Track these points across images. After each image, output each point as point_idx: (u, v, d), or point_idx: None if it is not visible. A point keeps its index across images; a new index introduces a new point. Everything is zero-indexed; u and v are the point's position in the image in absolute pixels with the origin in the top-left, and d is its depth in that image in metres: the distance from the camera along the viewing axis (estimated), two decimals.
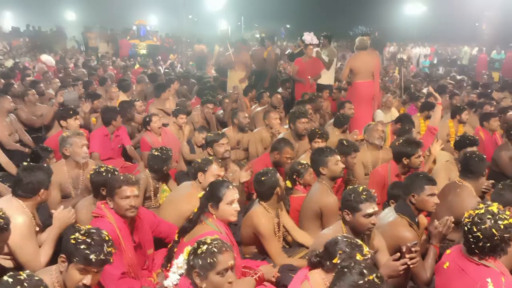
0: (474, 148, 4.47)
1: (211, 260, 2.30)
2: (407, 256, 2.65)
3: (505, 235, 2.51)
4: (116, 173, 3.49)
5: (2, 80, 8.61)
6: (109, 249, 2.29)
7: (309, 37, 8.56)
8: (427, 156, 5.17)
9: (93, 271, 2.28)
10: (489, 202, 2.74)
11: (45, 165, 3.48)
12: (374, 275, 2.01)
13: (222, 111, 7.31)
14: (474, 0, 21.13)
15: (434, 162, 5.22)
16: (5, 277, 1.95)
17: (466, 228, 2.57)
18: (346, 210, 2.94)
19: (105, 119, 5.60)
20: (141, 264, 3.22)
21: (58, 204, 3.87)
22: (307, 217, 3.88)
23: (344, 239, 2.40)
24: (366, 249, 2.39)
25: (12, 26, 21.49)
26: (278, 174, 3.66)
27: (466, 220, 2.60)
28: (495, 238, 2.49)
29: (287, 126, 5.89)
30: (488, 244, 2.51)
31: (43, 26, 20.95)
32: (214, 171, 3.86)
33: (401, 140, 4.43)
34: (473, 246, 2.55)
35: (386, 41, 20.46)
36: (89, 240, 2.25)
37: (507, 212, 2.62)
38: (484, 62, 16.33)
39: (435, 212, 3.41)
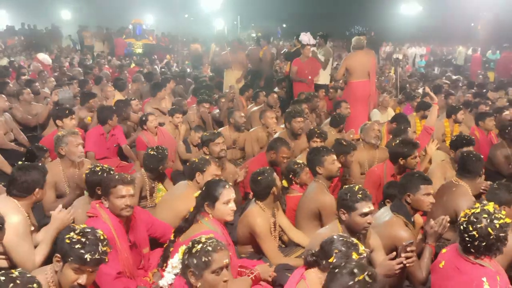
0: (471, 148, 4.48)
1: (206, 259, 2.30)
2: (403, 255, 2.66)
3: (501, 235, 2.52)
4: (111, 172, 3.47)
5: None
6: (104, 249, 2.28)
7: (306, 38, 8.57)
8: (423, 155, 5.18)
9: (88, 270, 2.27)
10: (485, 202, 2.75)
11: (40, 164, 3.47)
12: (365, 273, 2.00)
13: (218, 111, 7.30)
14: (469, 1, 21.20)
15: (430, 161, 5.24)
16: None
17: (462, 227, 2.58)
18: (342, 209, 2.94)
19: (101, 118, 5.57)
20: (136, 264, 3.21)
21: (53, 203, 3.87)
22: (303, 216, 3.88)
23: (340, 238, 2.40)
24: (362, 248, 2.39)
25: (7, 25, 21.33)
26: (274, 174, 3.66)
27: (462, 219, 2.61)
28: (491, 237, 2.50)
29: (283, 126, 5.90)
30: (484, 243, 2.52)
31: (39, 25, 20.84)
32: (213, 171, 3.86)
33: (397, 141, 4.44)
34: (468, 245, 2.56)
35: (382, 41, 20.50)
36: (84, 240, 2.24)
37: (503, 212, 2.63)
38: (478, 62, 16.38)
39: (431, 212, 3.43)
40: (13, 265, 2.93)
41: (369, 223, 2.91)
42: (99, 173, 3.47)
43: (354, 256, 2.31)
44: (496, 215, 2.55)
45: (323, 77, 8.87)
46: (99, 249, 2.25)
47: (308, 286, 2.40)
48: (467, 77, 13.07)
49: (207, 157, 4.17)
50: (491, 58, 16.22)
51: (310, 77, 8.37)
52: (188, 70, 13.74)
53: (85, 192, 3.78)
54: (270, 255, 3.44)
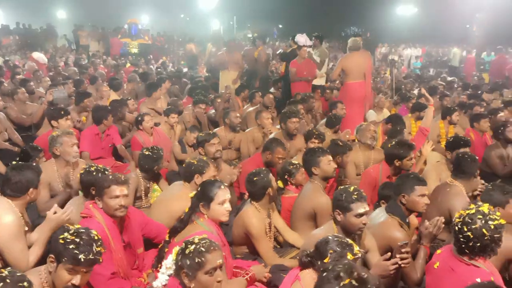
0: (467, 149, 4.50)
1: (199, 260, 2.30)
2: (398, 256, 2.66)
3: (495, 235, 2.53)
4: (106, 172, 3.46)
5: None
6: (98, 249, 2.27)
7: (302, 39, 8.58)
8: (418, 156, 5.19)
9: (82, 271, 2.26)
10: (479, 203, 2.76)
11: (34, 164, 3.45)
12: (352, 277, 1.92)
13: (213, 111, 7.30)
14: (465, 2, 21.30)
15: (425, 162, 5.25)
16: None
17: (456, 228, 2.59)
18: (337, 210, 2.94)
19: (96, 118, 5.55)
20: (131, 264, 3.20)
21: (47, 203, 3.85)
22: (298, 217, 3.88)
23: (335, 239, 2.40)
24: (356, 248, 2.40)
25: (2, 24, 21.20)
26: (270, 175, 3.66)
27: (457, 220, 2.62)
28: (485, 238, 2.51)
29: (279, 126, 5.90)
30: (478, 244, 2.53)
31: (34, 24, 20.75)
32: (211, 173, 3.86)
33: (393, 142, 4.44)
34: (463, 246, 2.57)
35: (378, 42, 20.55)
36: (78, 240, 2.23)
37: (497, 213, 2.64)
38: (472, 63, 16.48)
39: (426, 213, 3.44)
40: (6, 266, 2.91)
41: (364, 224, 2.92)
42: (94, 173, 3.45)
43: (349, 256, 2.32)
44: (491, 216, 2.56)
45: (319, 78, 8.88)
46: (93, 250, 2.24)
47: (302, 287, 2.40)
48: (462, 78, 13.12)
49: (204, 158, 4.15)
50: (486, 60, 16.31)
51: (310, 78, 8.40)
52: (185, 70, 13.72)
53: (80, 192, 3.77)
54: (265, 256, 3.44)
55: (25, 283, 1.96)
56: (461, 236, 2.56)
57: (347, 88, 7.46)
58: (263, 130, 5.87)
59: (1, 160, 4.92)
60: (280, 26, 31.60)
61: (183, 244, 2.39)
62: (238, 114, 6.11)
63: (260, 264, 3.26)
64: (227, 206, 3.06)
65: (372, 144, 5.24)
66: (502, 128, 5.49)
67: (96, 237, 2.30)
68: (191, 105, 7.18)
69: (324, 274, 2.00)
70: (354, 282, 1.91)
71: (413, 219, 3.51)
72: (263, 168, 3.82)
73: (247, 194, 3.80)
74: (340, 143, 4.64)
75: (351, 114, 7.04)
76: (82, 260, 2.21)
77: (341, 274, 1.94)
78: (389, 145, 4.46)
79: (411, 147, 4.37)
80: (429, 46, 23.25)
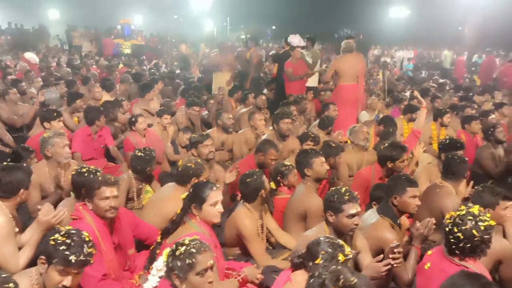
0: (461, 152, 4.54)
1: (190, 261, 2.29)
2: (390, 256, 2.68)
3: (485, 237, 2.56)
4: (98, 173, 3.44)
5: None
6: (89, 250, 2.27)
7: (296, 40, 8.58)
8: (410, 158, 5.22)
9: (73, 272, 2.26)
10: (470, 204, 2.78)
11: (25, 165, 3.43)
12: (338, 286, 1.90)
13: (207, 112, 7.29)
14: (457, 5, 21.47)
15: (417, 164, 5.28)
16: None
17: (447, 229, 2.62)
18: (330, 211, 2.95)
19: (88, 119, 5.53)
20: (122, 265, 3.18)
21: (37, 204, 3.83)
22: (291, 218, 3.89)
23: (326, 240, 2.41)
24: (348, 249, 2.40)
25: None
26: (263, 176, 3.66)
27: (448, 221, 2.64)
28: (475, 239, 2.54)
29: (272, 128, 5.91)
30: (469, 245, 2.55)
31: (26, 24, 20.63)
32: (206, 175, 3.87)
33: (386, 144, 4.47)
34: (453, 246, 2.59)
35: (371, 44, 20.63)
36: (68, 241, 2.23)
37: (488, 214, 2.67)
38: (462, 65, 16.60)
39: (417, 214, 3.46)
40: None
41: (356, 225, 2.93)
42: (86, 174, 3.43)
43: (340, 257, 2.32)
44: (481, 218, 2.59)
45: (311, 80, 8.90)
46: (84, 251, 2.24)
47: (294, 287, 2.41)
48: (454, 80, 13.20)
49: (199, 160, 4.14)
50: (478, 62, 16.43)
51: (308, 73, 8.42)
52: (178, 71, 13.70)
53: (72, 193, 3.75)
54: (257, 257, 3.44)
55: (11, 284, 1.95)
56: (451, 237, 2.59)
57: (340, 90, 7.49)
58: (256, 132, 5.87)
59: None
60: (274, 27, 31.68)
61: (174, 245, 2.39)
62: (230, 115, 6.11)
63: (252, 265, 3.26)
64: (219, 207, 3.06)
65: (365, 146, 5.26)
66: (492, 129, 5.55)
67: (87, 238, 2.29)
68: (184, 106, 7.17)
69: (311, 280, 2.00)
70: None
71: (405, 220, 3.53)
72: (257, 170, 3.83)
73: (239, 195, 3.80)
74: (333, 145, 4.67)
75: (344, 115, 7.06)
76: (73, 261, 2.20)
77: (326, 282, 1.93)
78: (382, 147, 4.48)
79: (404, 149, 4.40)
80: (421, 48, 23.37)
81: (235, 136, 6.06)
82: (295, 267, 2.51)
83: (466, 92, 10.07)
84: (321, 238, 2.44)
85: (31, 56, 12.51)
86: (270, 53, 12.54)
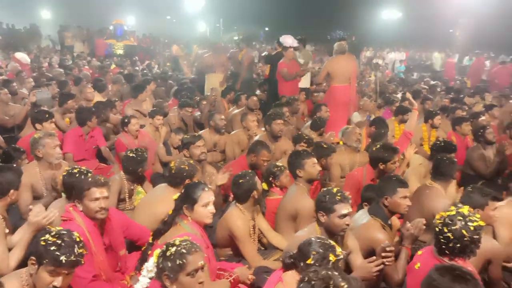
0: (453, 155, 4.59)
1: (180, 262, 2.29)
2: (383, 254, 2.70)
3: (475, 237, 2.58)
4: (89, 174, 3.43)
5: None
6: (80, 250, 2.26)
7: (289, 40, 8.59)
8: (401, 159, 5.26)
9: (64, 273, 2.24)
10: (460, 205, 2.81)
11: (15, 165, 3.41)
12: None
13: (199, 113, 7.29)
14: (448, 7, 21.62)
15: (408, 165, 5.32)
16: None
17: (437, 229, 2.64)
18: (321, 212, 2.97)
19: (80, 120, 5.50)
20: (113, 266, 3.17)
21: (29, 205, 3.80)
22: (283, 219, 3.90)
23: (318, 240, 2.43)
24: (339, 250, 2.42)
25: None
26: (256, 177, 3.67)
27: (438, 221, 2.67)
28: (465, 239, 2.56)
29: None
30: (458, 245, 2.57)
31: (17, 24, 20.48)
32: (198, 176, 3.86)
33: (378, 146, 4.50)
34: (443, 246, 2.61)
35: (363, 46, 20.73)
36: (59, 242, 2.22)
37: (477, 215, 2.69)
38: (452, 67, 16.75)
39: (407, 214, 3.48)
40: None
41: (348, 225, 2.95)
42: (77, 175, 3.42)
43: (331, 258, 2.34)
44: (471, 218, 2.62)
45: (304, 81, 8.92)
46: (75, 251, 2.23)
47: None
48: (445, 82, 13.31)
49: (191, 161, 4.14)
50: (469, 64, 16.58)
51: (298, 78, 8.44)
52: (170, 72, 13.68)
53: (63, 194, 3.73)
54: (249, 258, 3.45)
55: None
56: (441, 237, 2.61)
57: (333, 91, 7.52)
58: (248, 133, 5.88)
59: None
60: (267, 29, 31.69)
61: (164, 246, 2.38)
62: (222, 116, 6.11)
63: (244, 266, 3.26)
64: (211, 208, 3.06)
65: (357, 147, 5.29)
66: (482, 130, 5.60)
67: (77, 239, 2.28)
68: (177, 107, 7.17)
69: (301, 285, 2.00)
70: None
71: (395, 221, 3.56)
72: (249, 171, 3.83)
73: (231, 196, 3.81)
74: (324, 146, 4.68)
75: (336, 117, 7.09)
76: (64, 261, 2.19)
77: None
78: (374, 149, 4.51)
79: (395, 151, 4.43)
80: (412, 50, 23.52)
81: (227, 137, 6.06)
82: (286, 267, 2.52)
83: (457, 94, 10.15)
84: (313, 239, 2.45)
85: (22, 56, 12.43)
86: (263, 54, 12.55)
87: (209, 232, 3.54)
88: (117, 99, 7.69)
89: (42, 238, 2.23)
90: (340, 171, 5.20)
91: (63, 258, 2.19)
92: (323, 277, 1.96)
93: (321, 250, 2.38)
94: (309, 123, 6.54)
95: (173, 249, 2.32)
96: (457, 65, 17.58)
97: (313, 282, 1.95)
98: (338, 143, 5.75)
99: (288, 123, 6.55)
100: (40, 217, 2.91)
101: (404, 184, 3.36)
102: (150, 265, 2.53)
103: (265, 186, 4.23)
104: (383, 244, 2.78)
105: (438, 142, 4.89)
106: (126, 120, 5.65)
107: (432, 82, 11.98)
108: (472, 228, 2.58)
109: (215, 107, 7.60)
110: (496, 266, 3.12)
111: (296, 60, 8.53)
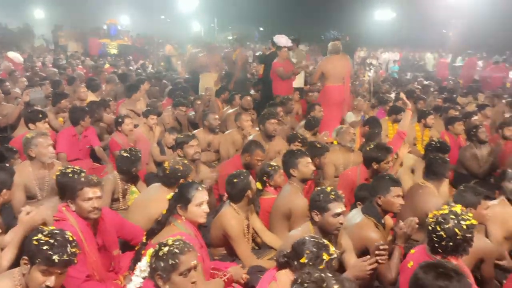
0: (446, 155, 4.62)
1: (173, 262, 2.28)
2: (377, 252, 2.71)
3: (467, 235, 2.59)
4: (82, 174, 3.41)
5: None
6: (73, 250, 2.25)
7: (283, 40, 8.59)
8: (395, 159, 5.28)
9: (57, 272, 2.23)
10: (452, 203, 2.83)
11: (7, 165, 3.39)
12: None
13: (193, 113, 7.29)
14: (442, 8, 21.73)
15: (401, 164, 5.34)
16: None
17: (430, 227, 2.65)
18: (315, 210, 2.98)
19: (73, 119, 5.48)
20: (106, 266, 3.16)
21: (24, 206, 3.79)
22: (277, 218, 3.90)
23: (311, 239, 2.43)
24: (332, 249, 2.43)
25: None
26: (250, 177, 3.67)
27: (431, 220, 2.68)
28: (458, 237, 2.58)
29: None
30: (451, 243, 2.59)
31: (10, 24, 20.35)
32: (193, 175, 3.85)
33: (372, 145, 4.51)
34: (436, 245, 2.63)
35: (357, 46, 20.75)
36: (52, 241, 2.20)
37: (469, 214, 2.71)
38: (444, 67, 16.83)
39: (400, 213, 3.50)
40: None
41: (341, 224, 2.97)
42: (70, 175, 3.41)
43: (325, 257, 2.35)
44: (463, 216, 2.63)
45: (297, 81, 8.93)
46: (68, 250, 2.22)
47: (279, 287, 2.42)
48: (438, 82, 13.38)
49: (185, 161, 4.13)
50: (462, 65, 16.67)
51: (292, 77, 8.45)
52: (164, 72, 13.66)
53: None
54: (243, 257, 3.45)
55: None
56: (434, 235, 2.62)
57: (327, 91, 7.54)
58: (242, 132, 5.88)
59: None
60: (261, 29, 31.70)
61: (157, 246, 2.37)
62: (216, 116, 6.11)
63: (238, 266, 3.26)
64: (205, 207, 3.05)
65: (351, 147, 5.30)
66: (475, 130, 5.64)
67: (70, 238, 2.27)
68: (171, 107, 7.15)
69: (293, 287, 2.00)
70: None
71: (389, 220, 3.57)
72: (243, 170, 3.83)
73: (226, 195, 3.80)
74: (318, 145, 4.70)
75: (330, 116, 7.10)
76: (56, 260, 2.18)
77: None
78: (368, 148, 4.52)
79: (389, 151, 4.45)
80: (406, 51, 23.63)
81: (221, 136, 6.06)
82: (280, 266, 2.52)
83: (450, 94, 10.20)
84: (306, 238, 2.46)
85: (14, 55, 12.37)
86: (256, 54, 12.55)
87: (203, 231, 3.54)
88: (111, 99, 7.66)
89: (35, 238, 2.22)
90: (334, 170, 5.22)
91: (55, 257, 2.18)
92: (316, 280, 1.96)
93: (314, 249, 2.38)
94: (303, 122, 6.55)
95: (165, 249, 2.32)
96: (450, 65, 17.67)
97: (305, 285, 1.96)
98: (332, 142, 5.76)
99: (282, 123, 6.56)
100: (31, 215, 2.90)
101: (397, 183, 3.37)
102: (143, 265, 2.53)
103: (259, 185, 4.23)
104: (377, 243, 2.79)
105: (434, 143, 4.92)
106: (120, 120, 5.63)
107: (426, 82, 12.04)
108: (464, 226, 2.59)
109: (209, 106, 7.60)
110: (488, 264, 3.14)
111: (290, 60, 8.54)
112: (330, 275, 2.00)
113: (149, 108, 6.72)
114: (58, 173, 3.51)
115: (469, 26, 20.02)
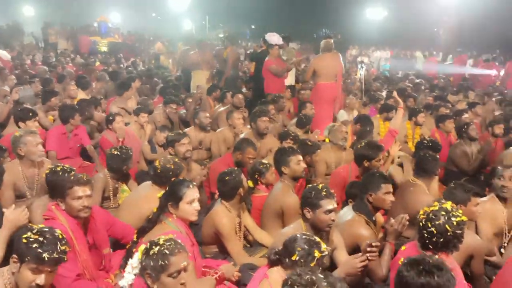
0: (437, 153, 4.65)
1: (163, 263, 2.25)
2: (368, 249, 2.72)
3: (457, 231, 2.62)
4: (72, 173, 3.39)
5: None
6: (63, 248, 2.23)
7: (275, 38, 8.59)
8: (386, 157, 5.30)
9: (47, 270, 2.21)
10: (443, 200, 2.85)
11: None
12: None
13: (185, 111, 7.26)
14: (432, 7, 21.84)
15: (393, 162, 5.36)
16: None
17: (421, 224, 2.67)
18: (307, 208, 2.99)
19: (62, 117, 5.43)
20: (97, 265, 3.14)
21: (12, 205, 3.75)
22: (268, 216, 3.91)
23: (303, 237, 2.44)
24: (324, 246, 2.43)
25: None
26: (242, 175, 3.67)
27: (421, 216, 2.70)
28: (448, 234, 2.60)
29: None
30: (442, 240, 2.61)
31: None
32: (184, 174, 3.84)
33: (363, 143, 4.53)
34: (427, 241, 2.65)
35: (349, 44, 20.83)
36: (41, 239, 2.19)
37: (460, 210, 2.73)
38: (434, 65, 16.95)
39: (391, 211, 3.52)
40: None
41: (333, 220, 2.99)
42: (60, 173, 3.38)
43: (316, 254, 2.35)
44: (454, 213, 2.65)
45: (289, 78, 8.94)
46: (58, 248, 2.20)
47: (270, 284, 2.42)
48: (429, 80, 13.45)
49: (177, 159, 4.11)
50: (452, 63, 16.78)
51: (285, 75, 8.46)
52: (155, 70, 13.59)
53: None
54: (235, 255, 3.45)
55: None
56: (425, 232, 2.64)
57: (319, 89, 7.56)
58: (234, 130, 5.87)
59: None
60: (253, 26, 31.68)
61: (148, 244, 2.35)
62: (207, 114, 6.09)
63: (230, 263, 3.26)
64: (196, 205, 3.04)
65: (343, 145, 5.31)
66: (465, 127, 5.68)
67: (60, 236, 2.26)
68: (162, 105, 7.12)
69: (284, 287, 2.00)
70: None
71: (379, 217, 3.59)
72: (235, 168, 3.83)
73: (217, 193, 3.80)
74: (309, 143, 4.71)
75: (321, 114, 7.12)
76: (46, 259, 2.17)
77: None
78: (359, 146, 4.54)
79: (380, 149, 4.47)
80: (397, 49, 23.73)
81: (213, 134, 6.05)
82: (271, 263, 2.52)
83: (441, 92, 10.26)
84: (298, 235, 2.47)
85: (2, 53, 12.25)
86: (248, 52, 12.53)
87: (194, 229, 3.54)
88: (101, 97, 7.60)
89: (24, 236, 2.20)
90: (325, 168, 5.22)
91: (45, 255, 2.16)
92: (306, 283, 1.95)
93: (306, 247, 2.39)
94: (294, 120, 6.56)
95: (156, 249, 2.29)
96: (440, 64, 17.78)
97: (296, 287, 1.95)
98: (323, 140, 5.77)
99: (274, 121, 6.56)
100: (17, 212, 2.87)
101: (387, 179, 3.40)
102: (135, 262, 2.51)
103: (250, 183, 4.22)
104: (369, 241, 2.80)
105: (425, 142, 4.94)
106: (110, 118, 5.60)
107: (417, 80, 12.10)
108: (455, 223, 2.61)
109: (201, 104, 7.58)
110: (478, 260, 3.16)
111: (281, 58, 8.54)
112: (321, 276, 2.00)
113: (140, 106, 6.68)
114: (48, 172, 3.48)
115: (460, 24, 20.16)
